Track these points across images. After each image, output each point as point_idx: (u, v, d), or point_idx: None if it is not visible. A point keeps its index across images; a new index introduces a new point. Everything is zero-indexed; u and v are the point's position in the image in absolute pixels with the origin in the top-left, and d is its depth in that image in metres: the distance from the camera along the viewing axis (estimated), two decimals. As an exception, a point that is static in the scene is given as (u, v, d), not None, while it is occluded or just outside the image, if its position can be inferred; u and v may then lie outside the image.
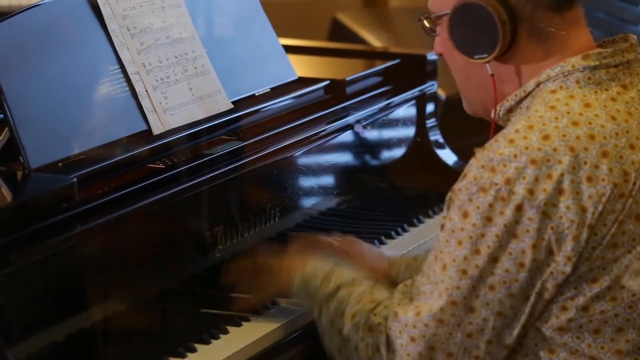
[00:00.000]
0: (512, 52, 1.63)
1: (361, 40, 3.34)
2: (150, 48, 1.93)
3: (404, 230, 2.22)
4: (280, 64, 2.16)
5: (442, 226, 1.59)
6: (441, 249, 1.58)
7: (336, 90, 2.20)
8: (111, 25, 1.89)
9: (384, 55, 2.55)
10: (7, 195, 1.65)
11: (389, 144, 2.31)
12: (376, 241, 2.14)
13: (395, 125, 2.36)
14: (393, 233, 2.19)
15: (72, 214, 1.65)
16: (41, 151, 1.72)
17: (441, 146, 2.44)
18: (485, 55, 1.62)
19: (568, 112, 1.57)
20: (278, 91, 2.12)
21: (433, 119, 2.43)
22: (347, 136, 2.21)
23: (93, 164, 1.75)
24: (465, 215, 1.55)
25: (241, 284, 1.85)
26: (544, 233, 1.53)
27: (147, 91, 1.90)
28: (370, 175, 2.27)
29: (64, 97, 1.79)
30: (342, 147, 2.20)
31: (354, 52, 2.57)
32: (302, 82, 2.17)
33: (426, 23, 1.69)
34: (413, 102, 2.38)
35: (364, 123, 2.22)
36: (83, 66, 1.84)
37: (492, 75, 1.64)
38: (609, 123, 1.56)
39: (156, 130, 1.89)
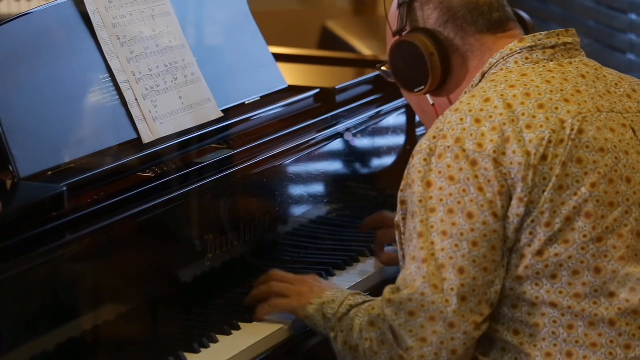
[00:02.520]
0: (451, 80, 1.77)
1: (351, 49, 3.37)
2: (140, 57, 1.94)
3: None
4: (270, 72, 2.17)
5: (406, 202, 1.66)
6: (415, 225, 1.63)
7: (326, 98, 2.22)
8: (101, 34, 1.90)
9: (374, 63, 2.39)
10: (-3, 204, 1.65)
11: (379, 152, 2.33)
12: (366, 249, 2.14)
13: (385, 134, 2.37)
14: (384, 242, 2.16)
15: (61, 222, 1.65)
16: (31, 160, 1.72)
17: None
18: (422, 87, 1.77)
19: (506, 81, 1.69)
20: (268, 99, 2.13)
21: (423, 127, 2.38)
22: (337, 144, 2.22)
23: (83, 172, 1.76)
24: (429, 184, 1.63)
25: (256, 291, 1.86)
26: (502, 180, 1.61)
27: (136, 100, 1.90)
28: (361, 184, 2.28)
29: (53, 105, 1.79)
30: (332, 155, 2.21)
31: (344, 61, 2.59)
32: (292, 90, 2.18)
33: (384, 68, 1.87)
34: (403, 110, 2.38)
35: (354, 131, 2.24)
36: (73, 74, 1.85)
37: (433, 105, 1.79)
38: (544, 85, 1.67)
39: (146, 138, 1.89)
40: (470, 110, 1.65)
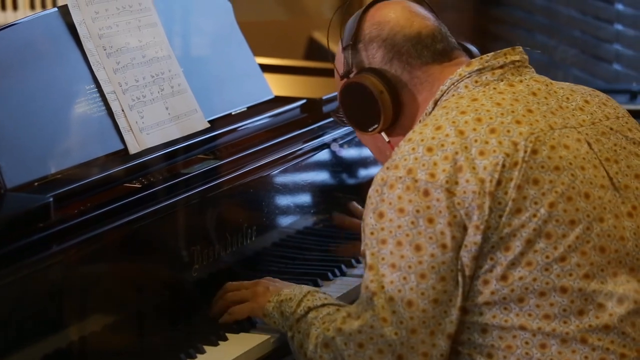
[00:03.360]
0: (404, 115, 1.77)
1: None
2: (126, 67, 1.94)
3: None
4: (256, 82, 2.18)
5: (363, 231, 1.66)
6: (367, 257, 1.64)
7: (313, 108, 2.22)
8: (87, 45, 1.90)
9: None
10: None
11: (365, 163, 2.31)
12: (354, 260, 2.14)
13: None
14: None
15: (48, 233, 1.66)
16: (17, 170, 1.72)
17: None
18: (376, 126, 1.78)
19: (457, 107, 1.69)
20: (255, 110, 2.14)
21: None
22: (323, 155, 2.22)
23: (69, 183, 1.76)
24: (380, 215, 1.63)
25: (215, 306, 1.88)
26: (454, 210, 1.60)
27: (123, 110, 1.90)
28: (347, 194, 2.26)
29: (40, 116, 1.79)
30: (318, 165, 2.21)
31: (331, 71, 2.46)
32: (279, 100, 2.19)
33: (339, 116, 1.85)
34: None
35: (341, 142, 2.24)
36: (60, 85, 1.84)
37: (389, 142, 1.79)
38: (495, 108, 1.67)
39: (132, 149, 1.90)
40: (422, 140, 1.65)
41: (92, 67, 1.89)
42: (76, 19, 1.90)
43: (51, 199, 1.67)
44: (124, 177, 1.84)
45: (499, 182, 1.61)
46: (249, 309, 1.83)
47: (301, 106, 2.22)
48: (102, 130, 1.87)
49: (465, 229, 1.61)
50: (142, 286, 1.81)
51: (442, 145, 1.63)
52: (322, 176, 2.23)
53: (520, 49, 1.76)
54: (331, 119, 2.17)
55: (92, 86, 1.88)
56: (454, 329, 1.63)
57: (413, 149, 1.64)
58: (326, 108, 2.23)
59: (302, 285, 1.83)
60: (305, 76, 2.52)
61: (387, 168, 1.66)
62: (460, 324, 1.64)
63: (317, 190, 2.21)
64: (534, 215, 1.61)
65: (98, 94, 1.88)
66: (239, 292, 1.86)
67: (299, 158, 2.13)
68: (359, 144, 2.27)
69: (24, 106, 1.78)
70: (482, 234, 1.61)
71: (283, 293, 1.79)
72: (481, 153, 1.62)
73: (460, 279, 1.62)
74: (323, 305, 1.75)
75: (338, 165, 2.26)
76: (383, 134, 1.80)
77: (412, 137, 1.67)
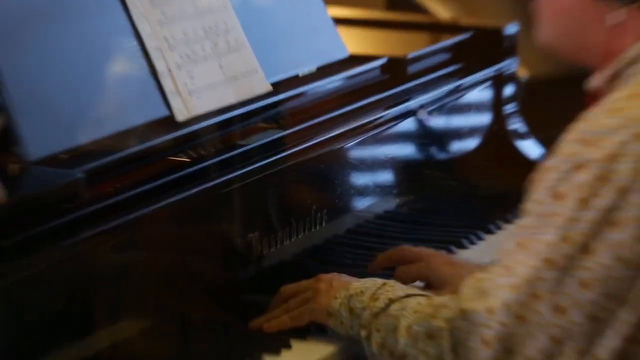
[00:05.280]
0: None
1: (425, 11, 3.37)
2: (174, 19, 1.95)
3: (478, 238, 2.20)
4: (328, 38, 2.18)
5: (525, 211, 1.59)
6: (524, 235, 1.57)
7: (396, 69, 2.21)
8: (128, -8, 1.93)
9: (452, 28, 2.51)
10: (1, 192, 1.62)
11: (459, 134, 2.32)
12: (443, 252, 2.10)
13: (467, 112, 2.37)
14: (465, 241, 2.17)
15: (77, 216, 1.65)
16: (42, 141, 1.71)
17: (522, 136, 2.45)
18: None
19: None
20: (326, 71, 2.14)
21: (513, 104, 2.43)
22: (408, 124, 2.22)
23: (103, 156, 1.75)
24: (556, 196, 1.54)
25: (271, 310, 1.86)
26: None
27: (169, 70, 1.91)
28: (437, 172, 2.28)
29: (71, 75, 1.79)
30: (402, 137, 2.20)
31: (417, 25, 2.58)
32: (355, 60, 2.18)
33: None
34: (488, 83, 2.39)
35: (430, 109, 2.24)
36: (94, 40, 1.85)
37: (615, 26, 1.60)
38: None
39: (180, 116, 1.89)
40: (631, 120, 1.52)
41: (134, 18, 1.89)
42: (116, -38, 1.92)
43: (82, 175, 1.66)
44: (170, 149, 1.84)
45: None
46: (309, 311, 1.81)
47: (382, 66, 2.22)
48: (143, 93, 1.87)
49: None
50: (187, 281, 1.81)
51: None
52: (406, 150, 2.24)
53: None
54: (418, 81, 2.18)
55: (132, 41, 1.88)
56: (609, 356, 1.53)
57: (617, 128, 1.51)
58: (411, 68, 2.24)
59: (375, 278, 1.80)
60: (386, 30, 2.53)
61: (577, 141, 1.54)
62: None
63: (400, 166, 2.22)
64: None
65: (140, 51, 1.89)
66: (299, 298, 1.83)
67: (378, 128, 2.14)
68: (451, 112, 2.31)
69: (52, 64, 1.77)
70: None
71: (352, 287, 1.77)
72: None
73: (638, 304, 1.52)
74: (407, 296, 1.71)
75: (426, 137, 2.27)
76: (612, 15, 1.60)
77: (617, 110, 1.53)
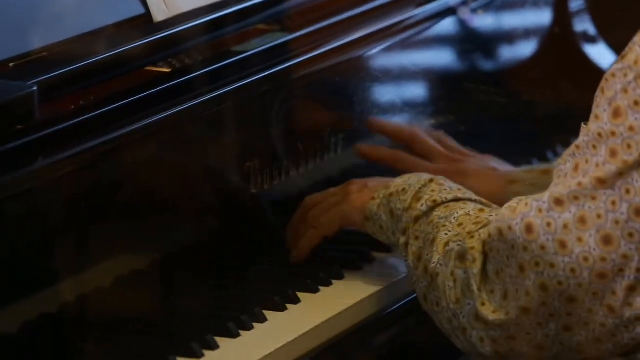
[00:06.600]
0: None
1: None
2: None
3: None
4: None
5: (586, 126, 1.63)
6: (580, 152, 1.60)
7: None
8: None
9: None
10: None
11: (511, 38, 2.31)
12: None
13: (521, 9, 2.35)
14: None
15: (31, 139, 1.62)
16: None
17: (592, 40, 2.42)
18: None
19: None
20: None
21: (580, 1, 2.39)
22: (447, 26, 2.20)
23: (64, 64, 1.71)
24: (616, 113, 1.58)
25: (290, 234, 1.88)
26: None
27: None
28: (483, 85, 2.26)
29: None
30: (439, 42, 2.20)
31: None
32: None
33: None
34: None
35: (474, 6, 2.22)
36: None
37: None
38: None
39: (159, 15, 1.86)
40: None
41: None
42: None
43: (36, 88, 1.61)
44: (147, 56, 1.81)
45: None
46: (340, 214, 1.81)
47: (413, -48, 2.16)
48: (113, -15, 1.81)
49: None
50: (172, 221, 1.79)
51: None
52: (444, 58, 2.23)
53: None
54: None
55: None
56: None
57: None
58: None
59: (422, 173, 1.81)
60: None
61: None
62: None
63: (437, 79, 2.20)
64: None
65: None
66: (325, 204, 1.85)
67: (409, 30, 2.11)
68: (500, 9, 2.28)
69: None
70: None
71: (394, 184, 1.77)
72: None
73: None
74: (456, 199, 1.72)
75: (469, 42, 2.24)
76: None
77: None
